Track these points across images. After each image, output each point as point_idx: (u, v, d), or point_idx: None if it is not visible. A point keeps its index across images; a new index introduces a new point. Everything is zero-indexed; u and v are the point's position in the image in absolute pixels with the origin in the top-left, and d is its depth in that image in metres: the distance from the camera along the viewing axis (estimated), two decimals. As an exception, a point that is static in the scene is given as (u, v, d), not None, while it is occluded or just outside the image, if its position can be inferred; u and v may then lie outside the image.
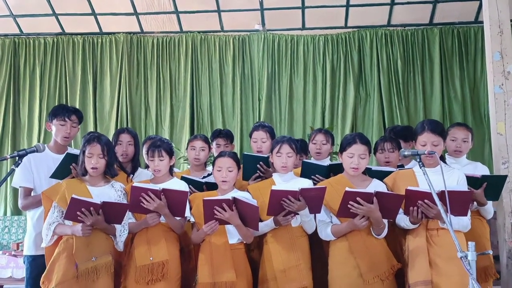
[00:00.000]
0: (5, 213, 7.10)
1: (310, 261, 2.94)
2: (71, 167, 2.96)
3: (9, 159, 2.74)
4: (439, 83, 6.87)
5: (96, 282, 2.71)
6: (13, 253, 5.96)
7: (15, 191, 7.04)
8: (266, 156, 3.28)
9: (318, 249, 3.03)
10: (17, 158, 2.55)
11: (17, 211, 7.06)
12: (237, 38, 7.24)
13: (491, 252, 2.53)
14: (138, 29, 7.34)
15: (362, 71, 7.06)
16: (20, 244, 6.32)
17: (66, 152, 3.05)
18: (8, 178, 6.88)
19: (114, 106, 7.18)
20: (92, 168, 2.84)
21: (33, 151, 2.61)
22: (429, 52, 6.97)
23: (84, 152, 2.86)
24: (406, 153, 2.55)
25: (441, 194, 2.36)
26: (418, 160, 2.48)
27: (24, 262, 3.20)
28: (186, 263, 3.08)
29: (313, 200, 2.77)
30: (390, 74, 6.97)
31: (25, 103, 7.23)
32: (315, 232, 2.97)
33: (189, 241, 3.14)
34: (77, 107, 3.25)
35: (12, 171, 2.63)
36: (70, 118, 3.23)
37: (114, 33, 7.36)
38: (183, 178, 3.16)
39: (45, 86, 7.25)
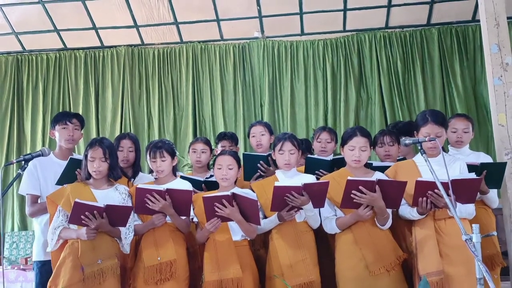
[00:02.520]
0: (12, 229, 7.13)
1: (317, 255, 2.95)
2: (76, 172, 2.99)
3: (15, 164, 2.77)
4: (440, 83, 6.89)
5: (102, 285, 2.73)
6: (21, 267, 5.99)
7: (21, 206, 7.10)
8: (265, 155, 3.32)
9: (324, 244, 3.03)
10: (23, 162, 2.59)
11: (24, 227, 7.10)
12: (237, 46, 7.31)
13: (495, 233, 2.53)
14: (139, 41, 7.43)
15: (362, 74, 7.09)
16: (28, 259, 6.35)
17: (69, 158, 3.08)
18: (14, 193, 7.03)
19: (117, 118, 7.24)
20: (95, 171, 2.87)
21: (39, 155, 2.66)
22: (429, 52, 7.00)
23: (86, 156, 2.90)
24: (407, 141, 2.57)
25: (451, 183, 2.35)
26: (419, 147, 2.49)
27: (33, 269, 3.23)
28: (193, 263, 3.09)
29: (316, 195, 2.79)
30: (391, 75, 7.00)
31: (28, 118, 7.31)
32: (321, 227, 2.98)
33: (194, 242, 3.16)
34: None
35: (19, 175, 2.66)
36: (71, 121, 3.29)
37: (115, 46, 7.44)
38: (182, 177, 3.19)
39: (48, 101, 7.33)
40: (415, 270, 2.74)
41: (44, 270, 3.05)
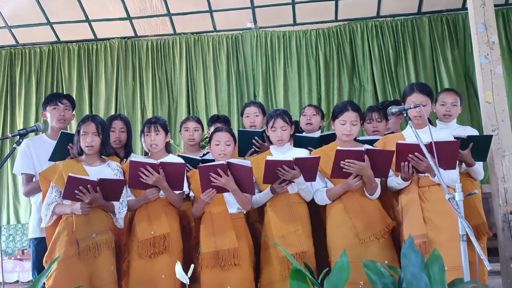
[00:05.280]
0: (8, 222, 7.16)
1: (310, 227, 3.00)
2: (68, 147, 3.03)
3: (11, 138, 2.81)
4: (432, 70, 7.00)
5: (98, 258, 2.77)
6: (18, 257, 6.02)
7: (16, 200, 7.15)
8: (260, 131, 3.37)
9: (318, 218, 3.09)
10: (18, 136, 2.65)
11: (17, 219, 7.14)
12: (230, 37, 7.38)
13: (477, 191, 2.59)
14: (132, 34, 7.47)
15: (355, 63, 7.18)
16: (25, 251, 6.40)
17: (60, 131, 3.12)
18: (9, 186, 7.03)
19: (111, 110, 7.29)
20: (87, 146, 2.88)
21: (34, 130, 2.72)
22: (420, 40, 7.10)
23: (79, 131, 2.92)
24: (393, 110, 2.62)
25: (430, 147, 2.42)
26: (405, 115, 2.55)
27: (29, 246, 3.27)
28: (188, 241, 3.14)
29: (307, 169, 2.84)
30: (383, 64, 7.09)
31: (21, 111, 7.35)
32: (315, 201, 3.03)
33: (189, 219, 3.22)
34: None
35: (14, 149, 2.72)
36: (62, 101, 3.34)
37: (108, 38, 7.49)
38: (180, 156, 3.23)
39: (41, 94, 7.37)
40: (402, 237, 2.80)
41: (40, 247, 3.08)
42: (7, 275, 5.86)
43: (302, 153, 3.04)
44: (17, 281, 5.87)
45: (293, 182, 2.91)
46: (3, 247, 6.84)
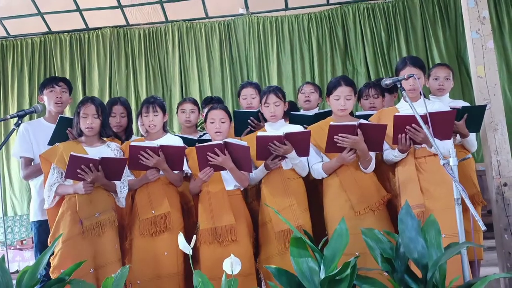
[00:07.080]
0: (6, 214, 7.17)
1: (306, 202, 3.04)
2: (67, 131, 3.05)
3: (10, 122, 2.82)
4: (424, 51, 7.03)
5: (101, 237, 2.81)
6: (18, 247, 6.05)
7: (12, 191, 7.16)
8: (256, 111, 3.40)
9: (316, 192, 3.13)
10: (16, 118, 2.66)
11: (14, 211, 7.15)
12: (222, 24, 7.38)
13: (470, 156, 2.64)
14: (124, 22, 7.44)
15: (347, 46, 7.21)
16: (24, 241, 6.42)
17: (59, 116, 3.14)
18: (5, 177, 7.01)
19: (105, 99, 7.13)
20: (87, 128, 2.90)
21: (32, 111, 2.73)
22: (412, 22, 7.13)
23: (78, 113, 2.93)
24: (387, 81, 2.65)
25: (425, 118, 2.45)
26: (399, 86, 2.58)
27: (31, 229, 3.30)
28: (187, 220, 3.18)
29: (299, 144, 2.87)
30: (375, 46, 7.12)
31: (14, 103, 7.33)
32: (311, 177, 3.07)
33: (187, 199, 3.25)
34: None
35: (13, 130, 2.74)
36: (58, 84, 3.36)
37: (100, 28, 7.46)
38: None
39: (34, 86, 7.33)
40: (399, 208, 2.84)
41: (42, 229, 3.11)
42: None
43: (296, 128, 3.06)
44: (17, 271, 5.89)
45: (286, 157, 2.94)
46: (2, 238, 6.86)
